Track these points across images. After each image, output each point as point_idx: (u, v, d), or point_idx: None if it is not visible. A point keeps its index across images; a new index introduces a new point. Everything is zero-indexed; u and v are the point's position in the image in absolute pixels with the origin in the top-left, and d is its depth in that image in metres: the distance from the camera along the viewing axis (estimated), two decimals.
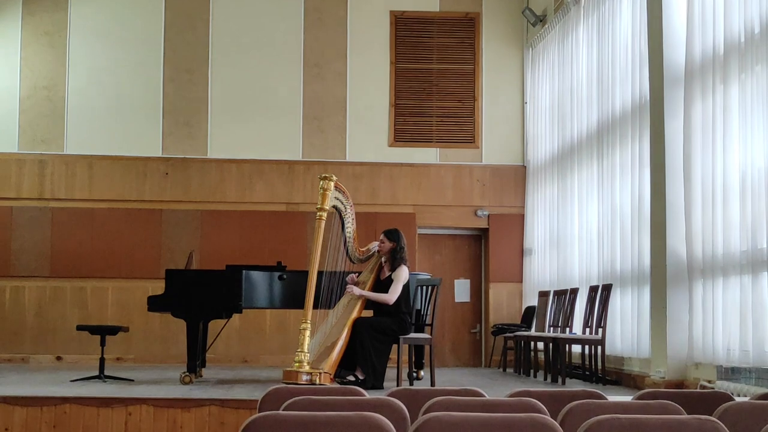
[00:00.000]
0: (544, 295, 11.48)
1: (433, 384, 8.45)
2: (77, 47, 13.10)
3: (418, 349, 9.62)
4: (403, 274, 8.67)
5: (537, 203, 12.98)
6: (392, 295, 8.58)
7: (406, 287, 8.73)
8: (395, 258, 8.75)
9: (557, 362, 9.62)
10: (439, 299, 9.08)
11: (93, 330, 9.55)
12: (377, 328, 8.47)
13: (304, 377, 7.83)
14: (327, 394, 4.16)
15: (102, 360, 9.17)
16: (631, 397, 4.36)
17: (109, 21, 13.19)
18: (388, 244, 8.81)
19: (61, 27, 13.08)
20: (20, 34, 13.03)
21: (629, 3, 9.82)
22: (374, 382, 8.25)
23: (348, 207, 8.68)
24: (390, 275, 8.74)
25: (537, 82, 13.16)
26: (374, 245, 8.96)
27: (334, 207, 8.53)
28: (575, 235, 11.36)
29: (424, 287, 9.36)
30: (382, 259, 8.91)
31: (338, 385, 7.58)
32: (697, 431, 3.19)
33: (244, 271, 8.85)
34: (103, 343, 9.26)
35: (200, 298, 8.87)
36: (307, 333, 8.04)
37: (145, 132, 13.02)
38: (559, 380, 9.40)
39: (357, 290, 8.64)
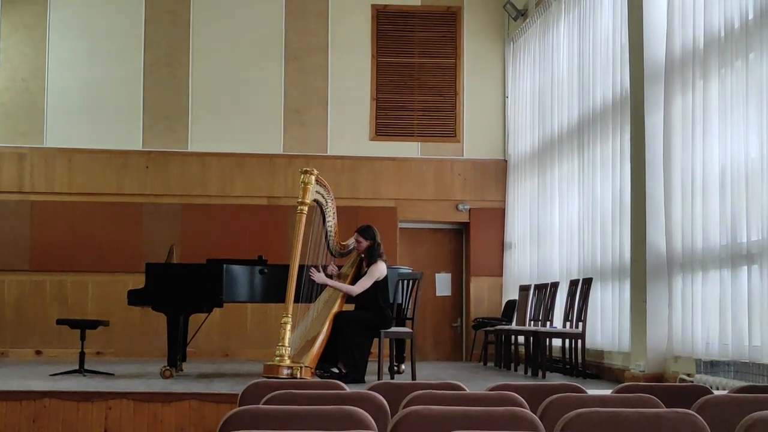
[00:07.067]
0: (524, 289, 11.50)
1: (413, 378, 8.46)
2: (57, 40, 13.02)
3: (399, 343, 9.63)
4: (377, 270, 8.66)
5: (518, 197, 13.01)
6: (357, 288, 8.57)
7: (385, 281, 8.74)
8: (372, 255, 8.76)
9: (537, 356, 9.65)
10: (420, 293, 9.09)
11: (73, 324, 9.50)
12: (358, 321, 8.48)
13: (285, 371, 7.83)
14: (308, 388, 4.17)
15: (82, 354, 9.13)
16: (611, 390, 4.38)
17: (88, 14, 13.11)
18: (364, 243, 8.81)
19: (41, 19, 13.00)
20: None
21: None
22: (355, 375, 8.25)
23: (329, 201, 8.67)
24: (368, 270, 8.75)
25: (518, 77, 13.18)
26: (353, 241, 8.95)
27: (316, 201, 8.52)
28: (556, 229, 11.40)
29: (406, 281, 9.37)
30: (362, 255, 8.91)
31: (319, 379, 7.59)
32: (676, 424, 3.21)
33: (225, 265, 8.83)
34: (83, 338, 9.22)
35: (181, 292, 8.85)
36: (288, 327, 8.03)
37: (126, 125, 12.96)
38: (540, 374, 9.42)
39: (318, 277, 8.54)
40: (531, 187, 12.43)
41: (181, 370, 9.27)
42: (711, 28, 7.74)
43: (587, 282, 9.61)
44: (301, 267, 8.33)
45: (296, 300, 8.20)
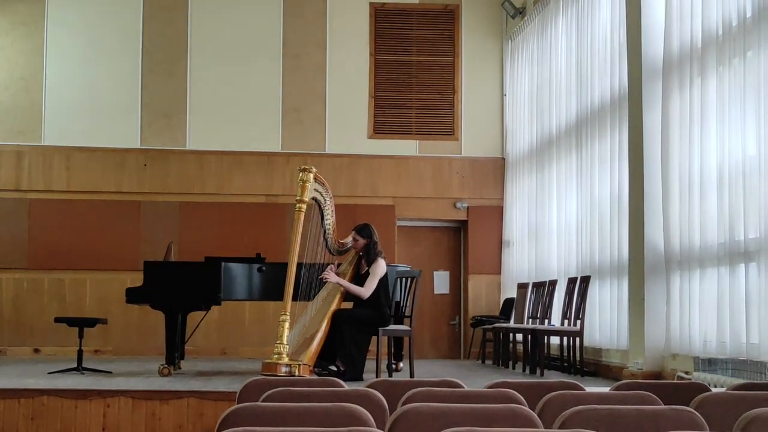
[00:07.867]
0: (522, 287, 11.50)
1: (412, 375, 8.46)
2: (55, 38, 13.01)
3: (397, 341, 9.63)
4: (379, 269, 8.67)
5: (516, 195, 13.01)
6: (367, 290, 8.58)
7: (384, 279, 8.73)
8: (370, 253, 8.75)
9: (536, 354, 9.65)
10: (419, 291, 9.09)
11: (71, 322, 9.49)
12: (357, 319, 8.48)
13: (284, 369, 7.82)
14: (306, 385, 4.17)
15: (80, 352, 9.12)
16: (609, 388, 4.38)
17: (87, 12, 13.11)
18: (361, 242, 8.81)
19: (39, 17, 12.99)
20: None
21: None
22: (354, 373, 8.25)
23: (327, 199, 8.67)
24: (368, 269, 8.74)
25: (516, 75, 13.18)
26: (350, 239, 8.94)
27: (314, 199, 8.51)
28: (554, 227, 11.40)
29: (404, 279, 9.37)
30: (360, 254, 8.91)
31: (317, 377, 7.59)
32: (674, 422, 3.21)
33: (223, 263, 8.82)
34: (81, 336, 9.21)
35: (179, 290, 8.84)
36: (287, 325, 8.03)
37: (124, 124, 12.96)
38: (538, 372, 9.43)
39: (333, 277, 8.63)
40: (529, 184, 12.43)
41: (180, 368, 9.26)
42: (709, 26, 7.74)
43: (585, 280, 9.61)
44: (299, 265, 8.32)
45: (294, 298, 8.19)
